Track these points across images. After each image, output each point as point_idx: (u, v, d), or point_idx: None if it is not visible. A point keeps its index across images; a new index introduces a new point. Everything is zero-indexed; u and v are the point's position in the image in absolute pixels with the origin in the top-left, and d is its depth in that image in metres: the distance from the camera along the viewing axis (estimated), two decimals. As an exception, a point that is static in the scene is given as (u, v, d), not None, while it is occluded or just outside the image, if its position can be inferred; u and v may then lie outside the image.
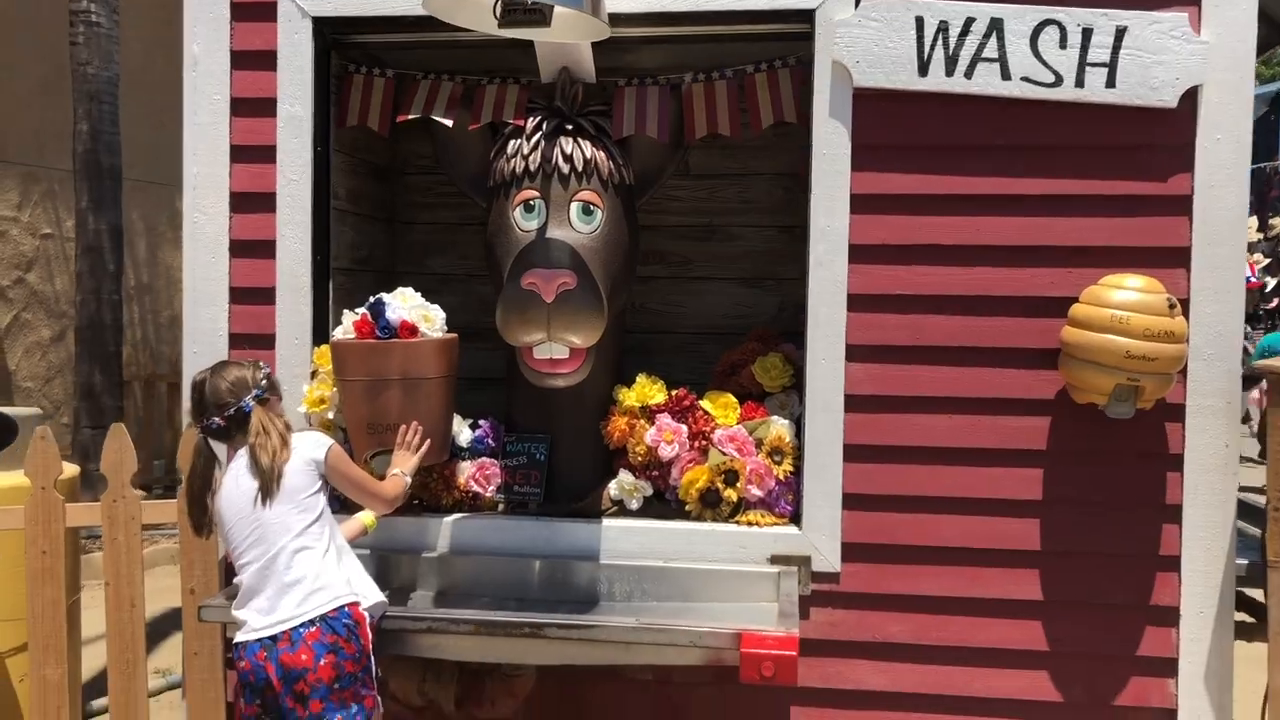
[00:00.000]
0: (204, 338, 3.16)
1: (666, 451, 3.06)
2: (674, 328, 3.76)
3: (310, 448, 2.62)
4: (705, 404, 3.15)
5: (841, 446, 2.96)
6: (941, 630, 2.96)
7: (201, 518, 2.59)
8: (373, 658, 2.46)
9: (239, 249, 3.16)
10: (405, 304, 3.00)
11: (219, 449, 2.66)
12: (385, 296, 3.01)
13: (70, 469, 3.45)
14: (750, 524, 3.02)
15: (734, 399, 3.17)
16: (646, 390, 3.15)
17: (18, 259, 7.84)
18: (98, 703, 3.94)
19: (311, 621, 2.43)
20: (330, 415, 3.09)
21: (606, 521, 3.06)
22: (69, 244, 7.69)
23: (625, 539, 3.02)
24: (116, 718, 3.05)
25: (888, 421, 2.95)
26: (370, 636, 2.49)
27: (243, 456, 2.59)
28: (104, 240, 7.12)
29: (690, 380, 3.28)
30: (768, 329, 3.44)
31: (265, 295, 3.14)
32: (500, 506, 3.18)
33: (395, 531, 3.07)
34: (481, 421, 3.24)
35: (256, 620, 2.46)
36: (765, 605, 2.85)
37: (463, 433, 3.21)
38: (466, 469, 3.15)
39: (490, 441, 3.21)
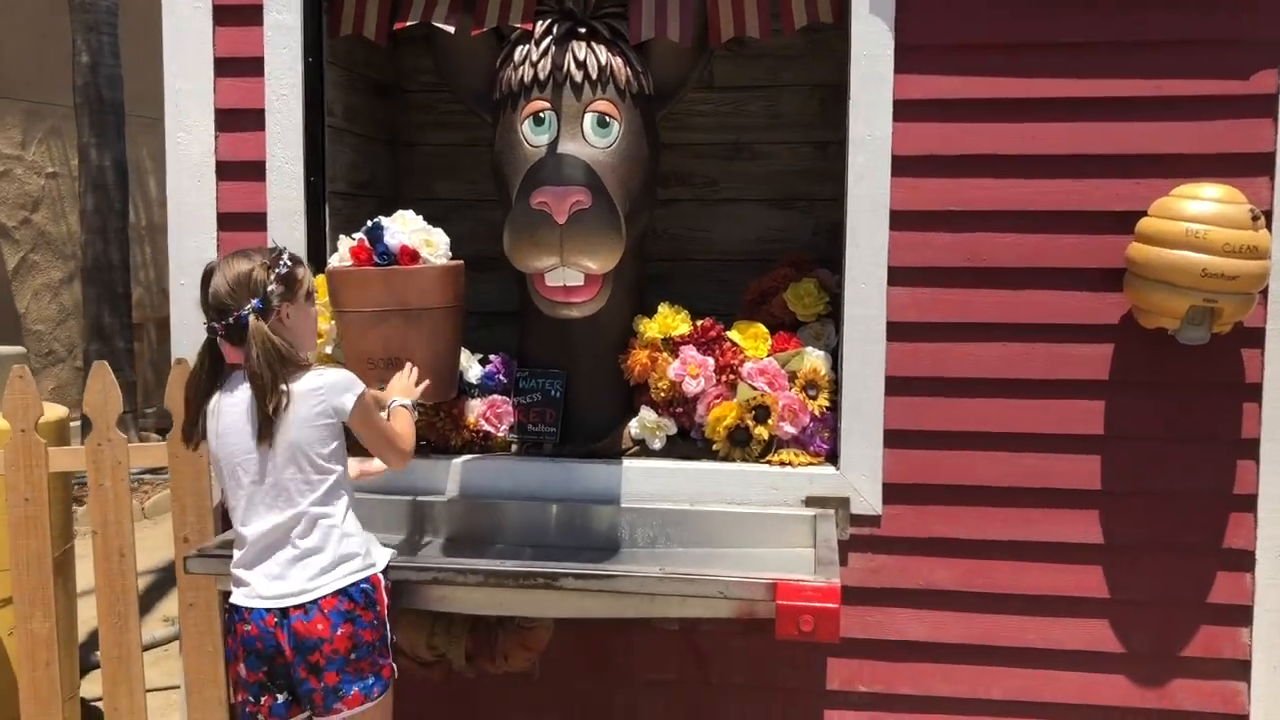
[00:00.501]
0: (191, 269, 2.92)
1: (691, 386, 2.82)
2: (699, 254, 3.50)
3: (334, 393, 2.23)
4: (733, 335, 2.90)
5: (883, 379, 2.71)
6: (989, 576, 2.73)
7: (191, 429, 2.28)
8: (388, 624, 2.25)
9: (226, 171, 2.91)
10: (405, 228, 2.75)
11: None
12: (384, 220, 2.77)
13: (55, 410, 3.24)
14: (783, 464, 2.78)
15: (764, 329, 2.92)
16: (669, 321, 2.91)
17: (23, 199, 7.63)
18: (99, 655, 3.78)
19: (329, 593, 2.18)
20: (329, 350, 2.86)
21: (627, 462, 2.83)
22: (76, 183, 7.49)
23: (648, 481, 2.79)
24: (109, 673, 2.88)
25: (934, 351, 2.70)
26: (387, 601, 2.26)
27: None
28: (108, 176, 6.90)
29: (717, 311, 3.03)
30: (801, 253, 3.18)
31: (256, 221, 2.90)
32: (513, 447, 2.96)
33: (400, 474, 2.85)
34: (493, 356, 3.00)
35: (266, 586, 2.18)
36: (801, 551, 2.63)
37: (472, 368, 2.98)
38: (476, 407, 2.92)
39: (502, 378, 2.98)
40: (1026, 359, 2.67)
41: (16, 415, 2.83)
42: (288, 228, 2.88)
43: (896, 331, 2.70)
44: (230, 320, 2.16)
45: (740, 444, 2.83)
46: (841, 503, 2.73)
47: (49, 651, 2.87)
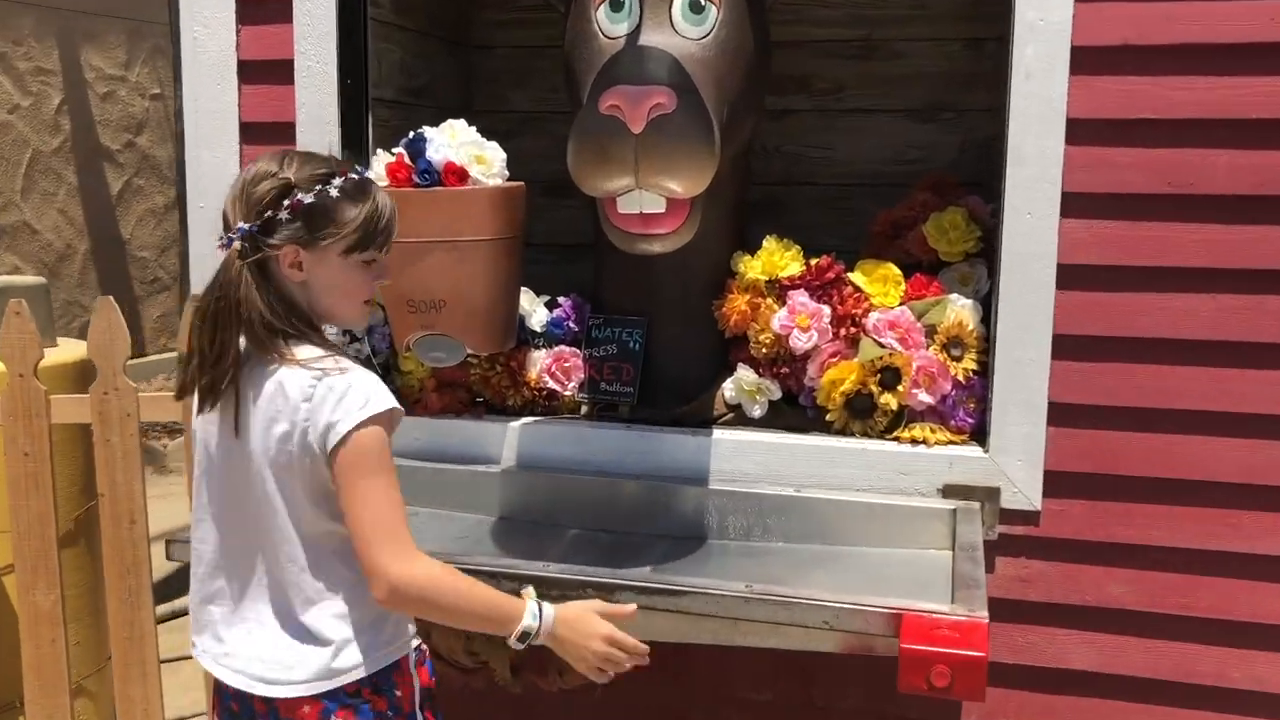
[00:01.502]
0: (210, 187, 2.48)
1: (800, 341, 2.25)
2: (818, 177, 2.90)
3: (321, 407, 1.52)
4: (856, 277, 2.32)
5: (1049, 337, 2.10)
6: (1186, 596, 2.12)
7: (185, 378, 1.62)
8: (419, 707, 1.67)
9: (250, 72, 2.45)
10: (454, 140, 2.24)
11: None
12: (429, 131, 2.26)
13: (71, 350, 2.87)
14: (915, 441, 2.21)
15: (896, 271, 2.32)
16: (776, 258, 2.34)
17: (127, 121, 7.41)
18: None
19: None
20: (365, 289, 2.38)
21: (719, 432, 2.30)
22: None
23: (743, 456, 2.26)
24: (119, 656, 2.51)
25: (1119, 303, 2.07)
26: (415, 680, 1.66)
27: None
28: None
29: (839, 247, 2.45)
30: (945, 175, 2.56)
31: (283, 132, 2.43)
32: (583, 409, 2.46)
33: (447, 437, 2.39)
34: (562, 300, 2.49)
35: (244, 663, 1.60)
36: (935, 556, 2.07)
37: (536, 313, 2.47)
38: (540, 360, 2.42)
39: (572, 325, 2.47)
40: (1248, 315, 2.03)
41: (14, 358, 2.44)
42: (319, 140, 2.40)
43: (1070, 276, 2.08)
44: (220, 240, 1.58)
45: (861, 415, 2.26)
46: (989, 494, 2.15)
47: (54, 628, 2.51)
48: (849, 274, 2.33)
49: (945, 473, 2.16)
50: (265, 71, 2.43)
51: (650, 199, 2.05)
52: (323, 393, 1.53)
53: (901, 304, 2.29)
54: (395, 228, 1.67)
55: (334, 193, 1.58)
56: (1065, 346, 2.10)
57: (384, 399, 1.57)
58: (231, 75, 2.44)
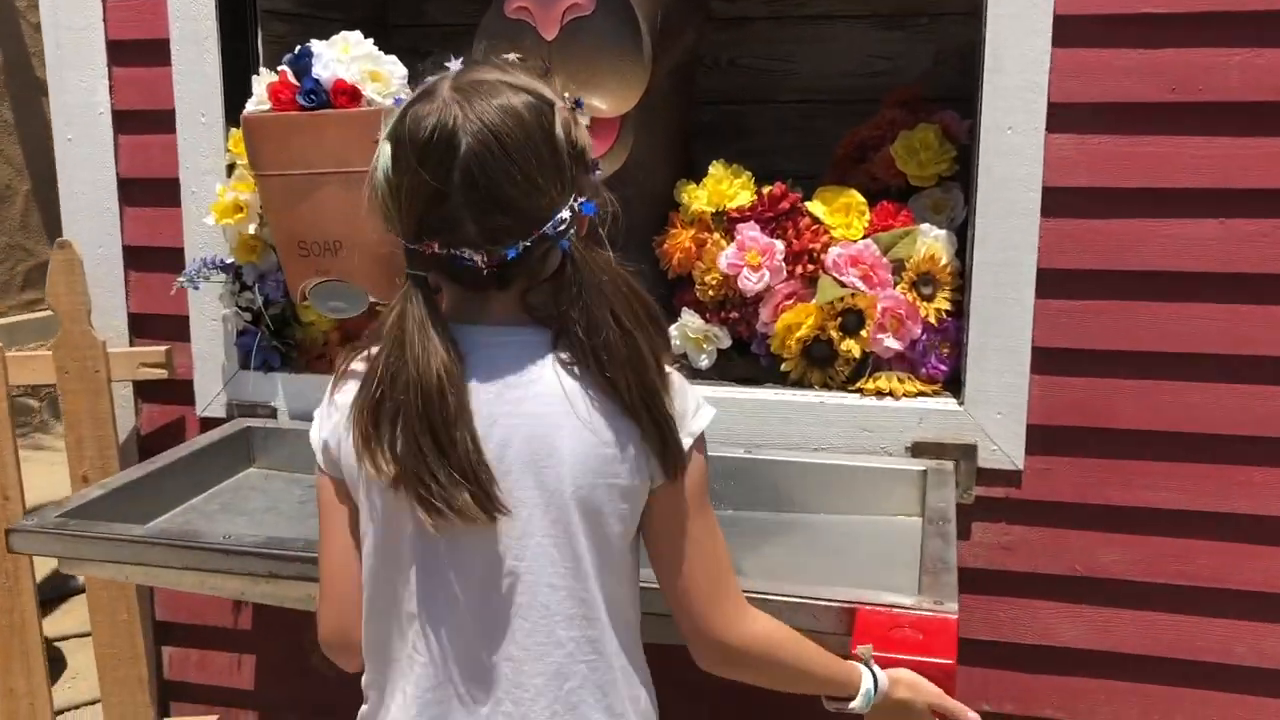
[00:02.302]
0: (79, 115, 2.18)
1: (751, 281, 1.97)
2: (777, 93, 2.59)
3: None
4: (815, 207, 2.03)
5: (1033, 272, 1.82)
6: (1186, 563, 1.86)
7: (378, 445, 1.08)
8: None
9: (114, -18, 2.13)
10: (344, 55, 1.94)
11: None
12: (316, 45, 1.96)
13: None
14: (881, 393, 1.94)
15: (860, 199, 2.03)
16: (724, 187, 2.05)
17: (64, 51, 6.98)
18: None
19: None
20: (252, 229, 2.09)
21: (660, 387, 2.02)
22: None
23: (687, 414, 1.98)
24: (4, 685, 2.25)
25: (1114, 232, 1.79)
26: None
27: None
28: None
29: (802, 172, 2.17)
30: (915, 89, 2.26)
31: (155, 51, 2.12)
32: (510, 361, 2.18)
33: (321, 394, 2.11)
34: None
35: None
36: (902, 523, 1.81)
37: (454, 253, 2.18)
38: (458, 306, 2.13)
39: (496, 265, 2.18)
40: (1262, 246, 1.75)
41: None
42: (196, 59, 2.09)
43: (1057, 201, 1.80)
44: (525, 243, 1.06)
45: (821, 363, 1.99)
46: (964, 452, 1.89)
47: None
48: (807, 203, 2.04)
49: (914, 428, 1.90)
50: (132, -21, 2.10)
51: (569, 119, 1.75)
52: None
53: (866, 236, 2.01)
54: None
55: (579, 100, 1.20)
56: (1051, 283, 1.82)
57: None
58: (94, -15, 2.11)
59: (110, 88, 2.15)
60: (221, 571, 1.58)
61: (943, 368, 1.96)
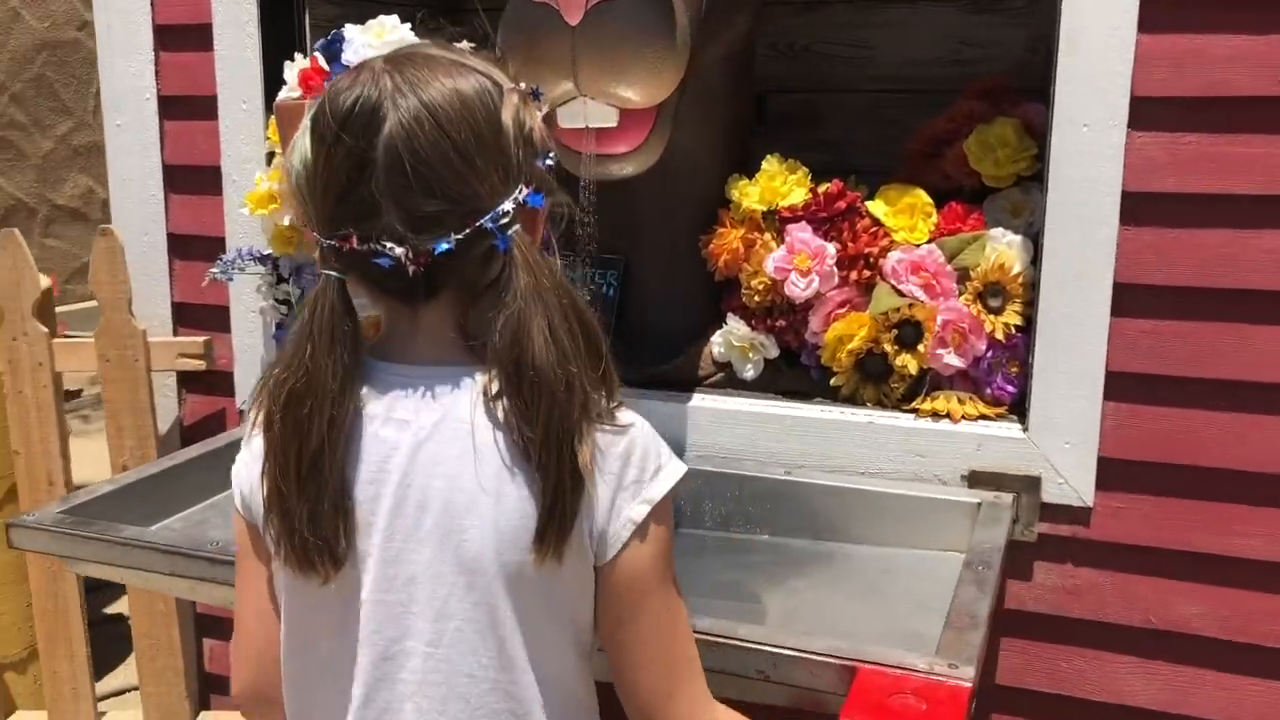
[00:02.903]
0: (128, 101, 2.15)
1: (799, 287, 1.82)
2: (854, 81, 2.40)
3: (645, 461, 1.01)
4: (876, 207, 1.86)
5: (1110, 286, 1.62)
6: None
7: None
8: None
9: (161, -36, 2.09)
10: (378, 39, 1.86)
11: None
12: (349, 30, 1.88)
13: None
14: (937, 414, 1.77)
15: (926, 199, 1.85)
16: (776, 183, 1.90)
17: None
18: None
19: None
20: (287, 220, 2.03)
21: (697, 398, 1.89)
22: None
23: (727, 428, 1.85)
24: (43, 630, 2.26)
25: (1206, 244, 1.58)
26: None
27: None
28: None
29: (879, 168, 2.01)
30: (1001, 78, 2.06)
31: (199, 36, 2.07)
32: (548, 363, 2.07)
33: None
34: (531, 231, 2.09)
35: None
36: (952, 560, 1.63)
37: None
38: (495, 305, 2.03)
39: (539, 262, 2.07)
40: (1381, 262, 1.51)
41: (-80, 296, 2.18)
42: (237, 44, 2.04)
43: (1139, 208, 1.59)
44: (458, 236, 0.93)
45: (874, 379, 1.83)
46: (1027, 484, 1.70)
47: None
48: (868, 203, 1.87)
49: (972, 455, 1.72)
50: (178, -38, 2.06)
51: (598, 110, 1.64)
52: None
53: (931, 240, 1.83)
54: None
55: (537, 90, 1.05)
56: (1131, 300, 1.62)
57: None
58: (142, -32, 2.08)
59: (156, 73, 2.12)
60: (208, 580, 1.51)
61: (1010, 389, 1.77)
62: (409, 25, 1.88)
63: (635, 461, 0.99)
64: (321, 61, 1.87)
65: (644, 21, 1.56)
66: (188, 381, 2.24)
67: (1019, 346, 1.76)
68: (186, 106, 2.12)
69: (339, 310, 0.96)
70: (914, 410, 1.79)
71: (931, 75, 2.33)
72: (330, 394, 0.93)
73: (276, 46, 2.07)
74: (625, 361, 1.94)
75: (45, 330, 2.15)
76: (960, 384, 1.80)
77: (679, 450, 1.84)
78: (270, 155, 2.07)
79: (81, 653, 2.25)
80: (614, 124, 1.65)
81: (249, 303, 2.12)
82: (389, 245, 0.92)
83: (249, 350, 2.15)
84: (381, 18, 1.89)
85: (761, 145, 2.03)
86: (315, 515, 0.94)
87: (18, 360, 2.15)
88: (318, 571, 0.96)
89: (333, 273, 0.96)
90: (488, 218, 0.92)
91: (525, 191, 0.96)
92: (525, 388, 0.92)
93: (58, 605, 2.24)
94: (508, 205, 0.94)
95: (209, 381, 2.22)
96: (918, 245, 1.82)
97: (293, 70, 1.89)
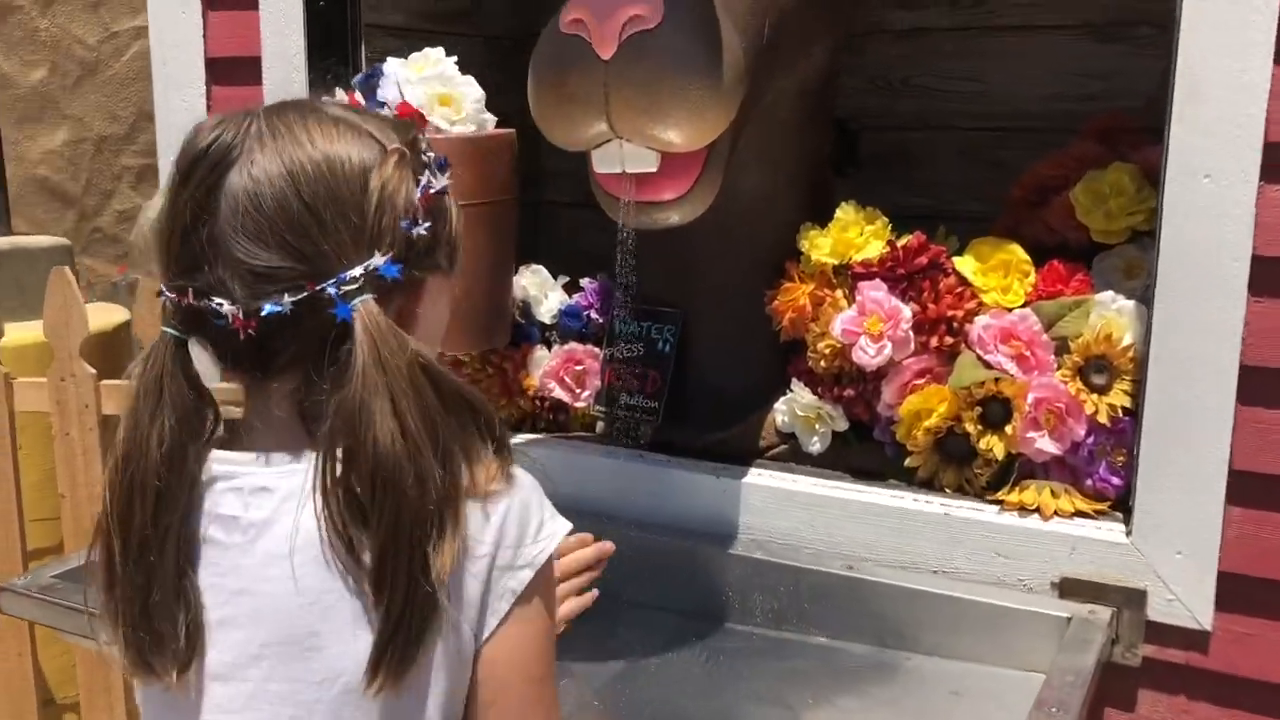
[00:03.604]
0: (179, 136, 2.07)
1: (868, 354, 1.60)
2: (960, 118, 2.16)
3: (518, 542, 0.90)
4: (964, 263, 1.63)
5: (1236, 368, 1.35)
6: None
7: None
8: None
9: (214, -6, 2.01)
10: (416, 75, 1.73)
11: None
12: (390, 65, 1.76)
13: (110, 314, 2.57)
14: (1026, 507, 1.52)
15: (1022, 255, 1.61)
16: (850, 234, 1.68)
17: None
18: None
19: None
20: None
21: (753, 474, 1.68)
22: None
23: (781, 510, 1.63)
24: (84, 678, 2.20)
25: (1357, 321, 1.30)
26: None
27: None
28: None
29: (985, 214, 1.78)
30: (1120, 115, 1.80)
31: (248, 69, 1.98)
32: (599, 427, 1.89)
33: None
34: (587, 282, 1.93)
35: None
36: (1031, 683, 1.38)
37: (547, 299, 1.92)
38: (543, 361, 1.87)
39: (594, 315, 1.90)
40: None
41: (-26, 333, 2.15)
42: (284, 78, 1.94)
43: (1273, 275, 1.32)
44: (292, 299, 0.83)
45: (956, 461, 1.59)
46: (1130, 597, 1.43)
47: (20, 641, 2.22)
48: (955, 259, 1.64)
49: (1064, 560, 1.46)
50: (229, -7, 1.98)
51: (635, 153, 1.46)
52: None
53: (1026, 304, 1.58)
54: None
55: (443, 159, 0.96)
56: (1262, 385, 1.34)
57: None
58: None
59: (208, 107, 2.04)
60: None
61: (1115, 481, 1.51)
62: (454, 59, 1.75)
63: (514, 523, 0.89)
64: (359, 96, 1.75)
65: (686, 55, 1.38)
66: (235, 428, 2.15)
67: (1126, 432, 1.50)
68: (237, 143, 2.03)
69: (169, 372, 0.85)
70: (999, 501, 1.54)
71: (1047, 112, 2.07)
72: (154, 466, 0.83)
73: (329, 80, 1.96)
74: (679, 426, 1.78)
75: (93, 372, 2.09)
76: (1056, 473, 1.55)
77: (729, 532, 1.65)
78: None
79: (120, 703, 2.17)
80: (653, 169, 1.47)
81: (293, 349, 2.01)
82: (219, 301, 0.83)
83: (293, 399, 2.04)
84: (427, 50, 1.76)
85: (851, 188, 1.83)
86: (146, 607, 0.84)
87: (65, 401, 2.09)
88: (156, 674, 0.83)
89: (169, 330, 0.86)
90: (330, 283, 0.82)
91: (381, 260, 0.84)
92: (363, 483, 0.80)
93: (100, 654, 2.16)
94: (356, 271, 0.83)
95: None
96: (1010, 309, 1.58)
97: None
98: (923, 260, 1.63)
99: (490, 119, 1.75)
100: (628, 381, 1.83)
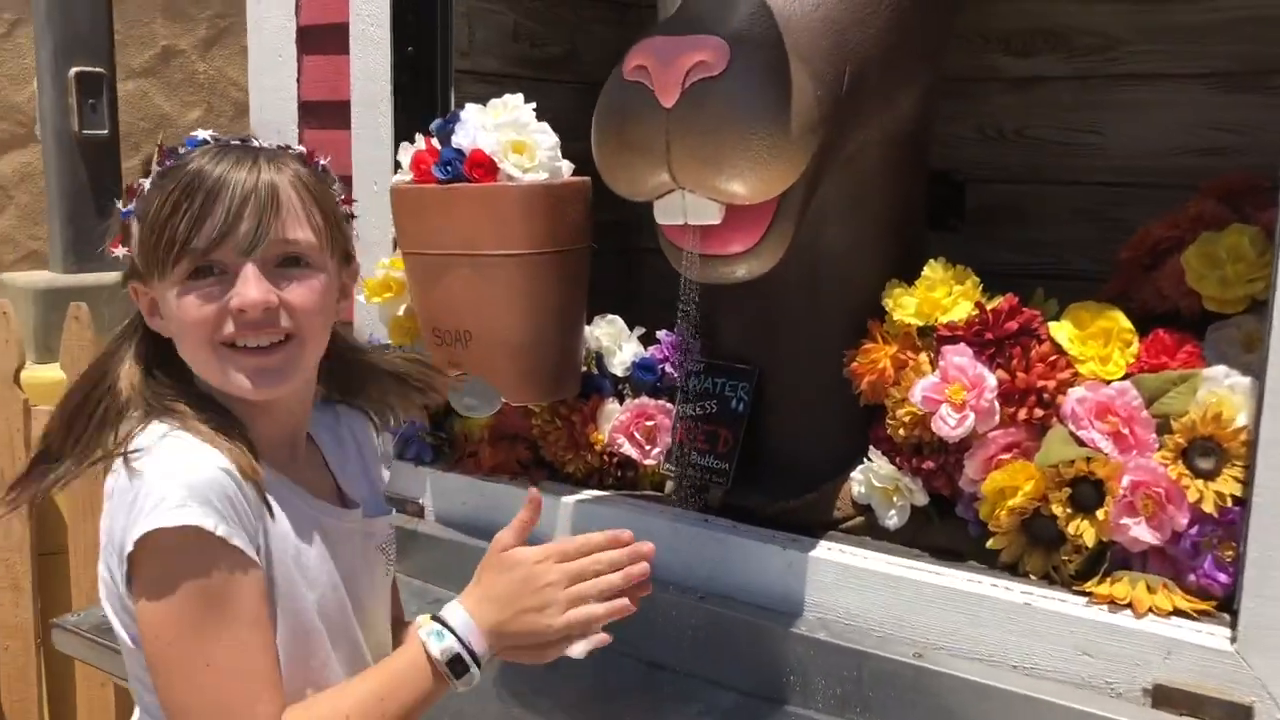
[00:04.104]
0: (273, 180, 2.10)
1: (949, 424, 1.48)
2: (1077, 172, 2.01)
3: (121, 509, 1.04)
4: (1060, 329, 1.49)
5: (1361, 461, 1.19)
6: None
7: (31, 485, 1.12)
8: None
9: (310, 39, 2.04)
10: (492, 120, 1.69)
11: None
12: (468, 110, 1.73)
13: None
14: (1117, 601, 1.37)
15: (1124, 322, 1.47)
16: (937, 294, 1.57)
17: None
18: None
19: None
20: (402, 310, 1.90)
21: (822, 548, 1.57)
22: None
23: (849, 588, 1.52)
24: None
25: None
26: None
27: None
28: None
29: (1102, 275, 1.65)
30: (1245, 175, 1.63)
31: (338, 114, 2.00)
32: (668, 486, 1.81)
33: (495, 505, 1.84)
34: (664, 334, 1.86)
35: None
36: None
37: (620, 351, 1.86)
38: (612, 414, 1.80)
39: (669, 369, 1.83)
40: None
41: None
42: (371, 123, 1.94)
43: (1407, 358, 1.16)
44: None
45: (1044, 545, 1.45)
46: (1233, 713, 1.27)
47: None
48: (1050, 324, 1.51)
49: (1158, 664, 1.31)
50: (323, 39, 2.00)
51: (697, 204, 1.39)
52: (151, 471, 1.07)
53: (1126, 377, 1.44)
54: (221, 209, 1.09)
55: (147, 184, 1.11)
56: (1392, 481, 1.18)
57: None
58: (291, 44, 2.03)
59: (301, 142, 2.05)
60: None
61: (1221, 578, 1.35)
62: (532, 106, 1.71)
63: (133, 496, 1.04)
64: (435, 142, 1.73)
65: (749, 103, 1.30)
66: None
67: (1236, 524, 1.34)
68: (327, 184, 2.04)
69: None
70: (1087, 593, 1.39)
71: (1173, 167, 1.92)
72: None
73: (421, 125, 1.95)
74: (750, 490, 1.68)
75: (23, 395, 2.12)
76: (1153, 565, 1.40)
77: (793, 609, 1.54)
78: (395, 242, 1.95)
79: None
80: (716, 221, 1.40)
81: (371, 393, 2.00)
82: None
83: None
84: (506, 97, 1.73)
85: (954, 244, 1.72)
86: None
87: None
88: None
89: None
90: None
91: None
92: None
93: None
94: None
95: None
96: (1109, 382, 1.44)
97: (408, 152, 1.76)
98: (1013, 325, 1.50)
99: (566, 166, 1.71)
100: (698, 440, 1.75)
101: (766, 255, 1.45)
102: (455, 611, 1.12)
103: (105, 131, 2.86)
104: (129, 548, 1.01)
